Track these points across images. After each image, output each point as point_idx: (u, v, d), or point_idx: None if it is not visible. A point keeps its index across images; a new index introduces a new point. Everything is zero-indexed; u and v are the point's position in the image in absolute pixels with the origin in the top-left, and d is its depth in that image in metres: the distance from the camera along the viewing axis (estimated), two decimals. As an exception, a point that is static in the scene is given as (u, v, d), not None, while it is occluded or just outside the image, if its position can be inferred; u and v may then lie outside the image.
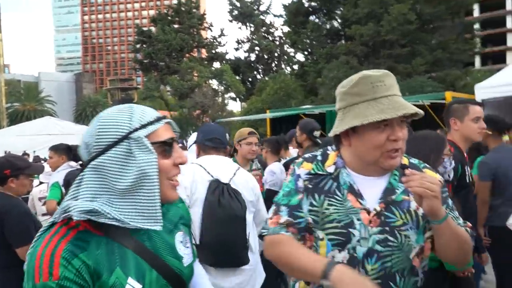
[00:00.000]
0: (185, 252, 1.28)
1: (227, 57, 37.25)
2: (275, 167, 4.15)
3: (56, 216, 1.11)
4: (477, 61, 42.63)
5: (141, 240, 1.18)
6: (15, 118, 50.88)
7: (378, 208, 1.38)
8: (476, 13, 43.37)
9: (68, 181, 3.48)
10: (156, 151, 1.13)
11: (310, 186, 1.47)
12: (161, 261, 1.19)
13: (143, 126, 1.13)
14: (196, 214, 2.36)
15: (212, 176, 2.57)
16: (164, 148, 1.15)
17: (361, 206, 1.39)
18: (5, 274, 2.70)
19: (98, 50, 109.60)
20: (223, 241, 2.45)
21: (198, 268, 1.43)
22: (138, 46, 33.93)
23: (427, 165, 1.51)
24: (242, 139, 3.62)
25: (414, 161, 1.50)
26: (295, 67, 30.47)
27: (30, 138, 18.30)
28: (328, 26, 26.70)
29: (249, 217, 2.65)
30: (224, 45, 40.54)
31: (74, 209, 1.06)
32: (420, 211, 1.38)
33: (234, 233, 2.51)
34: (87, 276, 1.05)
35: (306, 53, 28.30)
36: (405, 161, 1.46)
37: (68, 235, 1.08)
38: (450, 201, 1.46)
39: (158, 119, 1.16)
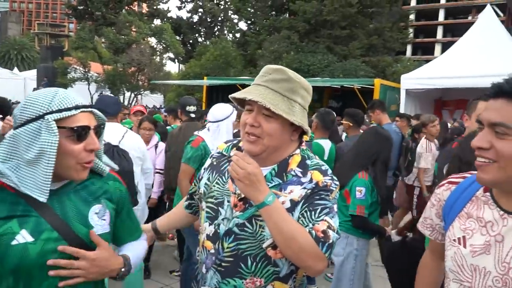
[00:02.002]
0: (98, 222, 1.41)
1: (169, 15, 35.97)
2: None
3: None
4: (408, 50, 44.92)
5: (51, 204, 1.33)
6: None
7: (243, 195, 1.49)
8: (413, 3, 45.28)
9: None
10: (67, 135, 1.30)
11: (214, 163, 1.68)
12: (65, 224, 1.33)
13: (59, 111, 1.28)
14: None
15: (104, 141, 3.09)
16: (75, 133, 1.31)
17: (233, 190, 1.54)
18: None
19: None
20: None
21: (134, 243, 1.61)
22: (72, -10, 31.60)
23: (321, 168, 1.55)
24: None
25: (310, 161, 1.56)
26: (237, 35, 30.20)
27: None
28: (273, -2, 26.64)
29: (137, 169, 3.54)
30: (166, 2, 38.83)
31: None
32: (284, 206, 1.46)
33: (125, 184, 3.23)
34: None
35: (249, 22, 28.13)
36: (296, 159, 1.55)
37: None
38: (322, 204, 1.46)
39: (76, 107, 1.31)
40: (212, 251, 1.55)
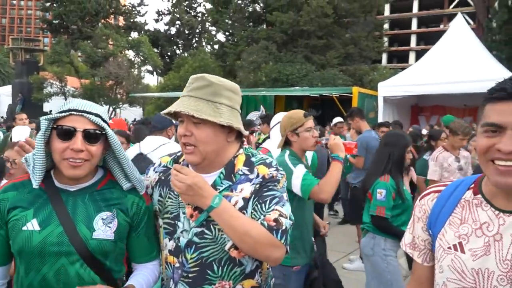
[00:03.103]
0: (102, 228, 1.50)
1: (146, 28, 35.85)
2: None
3: None
4: (384, 58, 45.82)
5: (65, 202, 1.50)
6: None
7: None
8: (386, 13, 46.33)
9: None
10: (55, 134, 1.46)
11: (162, 178, 1.67)
12: (71, 223, 1.47)
13: (56, 113, 1.47)
14: None
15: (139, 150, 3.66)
16: (60, 132, 1.46)
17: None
18: None
19: (1, 2, 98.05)
20: None
21: (146, 268, 1.65)
22: (47, 4, 31.13)
23: (266, 161, 1.60)
24: (298, 126, 2.84)
25: (254, 158, 1.61)
26: (216, 46, 30.29)
27: None
28: (250, 9, 26.87)
29: None
30: (143, 15, 38.72)
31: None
32: (238, 206, 1.52)
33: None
34: (3, 205, 1.49)
35: (227, 33, 28.28)
36: (241, 159, 1.59)
37: (22, 178, 1.57)
38: (270, 195, 1.51)
39: (66, 111, 1.47)
40: (177, 265, 1.57)
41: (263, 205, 1.49)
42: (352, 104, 11.68)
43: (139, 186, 1.60)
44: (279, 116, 3.62)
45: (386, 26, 32.54)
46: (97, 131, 1.48)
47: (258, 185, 1.53)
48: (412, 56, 49.44)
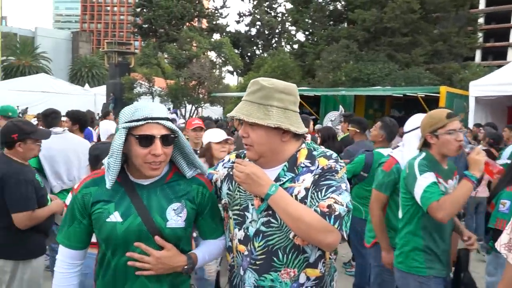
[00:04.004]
0: (174, 218, 1.69)
1: (228, 29, 36.75)
2: None
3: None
4: (478, 55, 42.49)
5: (141, 195, 1.69)
6: (10, 72, 50.21)
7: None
8: (481, 6, 42.90)
9: (97, 156, 2.79)
10: (135, 141, 1.62)
11: (230, 173, 1.79)
12: (148, 214, 1.66)
13: (131, 121, 1.62)
14: None
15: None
16: (141, 140, 1.62)
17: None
18: (6, 235, 2.81)
19: (97, 9, 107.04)
20: None
21: (211, 241, 1.86)
22: (138, 10, 33.24)
23: (326, 154, 1.69)
24: (439, 128, 2.54)
25: (316, 152, 1.71)
26: (295, 46, 30.15)
27: (25, 94, 18.19)
28: (331, 8, 26.33)
29: None
30: (225, 17, 39.84)
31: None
32: (300, 195, 1.62)
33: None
34: (87, 199, 1.70)
35: (307, 33, 27.99)
36: (303, 153, 1.69)
37: (98, 174, 1.76)
38: (327, 184, 1.59)
39: (143, 119, 1.61)
40: (246, 253, 1.70)
41: (319, 193, 1.58)
42: (439, 104, 10.91)
43: (203, 171, 1.83)
44: (417, 120, 3.04)
45: (481, 20, 30.01)
46: (171, 135, 1.66)
47: (317, 176, 1.62)
48: (511, 52, 45.26)
